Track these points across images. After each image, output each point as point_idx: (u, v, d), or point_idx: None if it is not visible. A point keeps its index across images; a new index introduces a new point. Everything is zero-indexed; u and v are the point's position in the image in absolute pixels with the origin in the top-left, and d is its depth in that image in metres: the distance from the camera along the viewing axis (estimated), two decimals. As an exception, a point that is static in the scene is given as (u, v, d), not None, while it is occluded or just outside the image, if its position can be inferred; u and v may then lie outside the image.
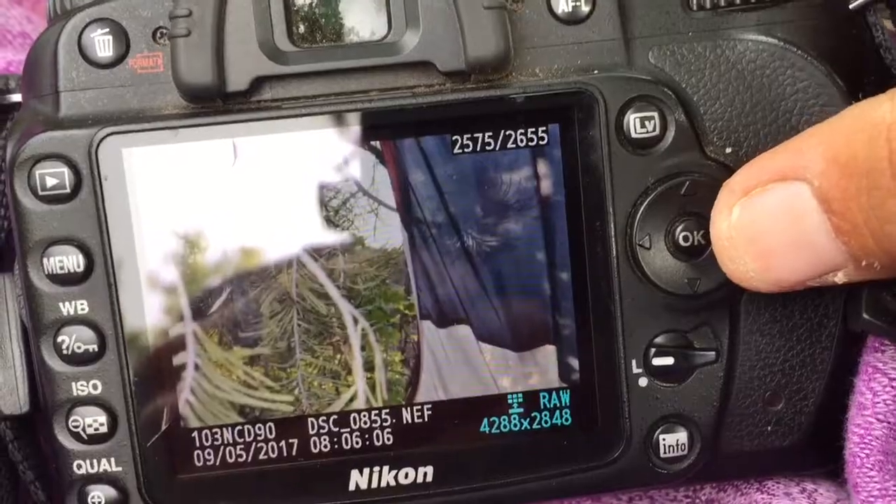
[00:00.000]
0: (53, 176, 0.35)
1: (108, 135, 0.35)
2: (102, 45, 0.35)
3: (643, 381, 0.37)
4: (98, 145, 0.35)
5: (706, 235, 0.36)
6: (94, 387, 0.36)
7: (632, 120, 0.36)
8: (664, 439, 0.37)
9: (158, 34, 0.35)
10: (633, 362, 0.37)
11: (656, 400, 0.37)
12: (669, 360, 0.37)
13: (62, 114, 0.35)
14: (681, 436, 0.37)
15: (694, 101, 0.36)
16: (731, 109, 0.37)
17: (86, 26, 0.35)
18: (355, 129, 0.36)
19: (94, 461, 0.36)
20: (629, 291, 0.36)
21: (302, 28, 0.36)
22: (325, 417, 0.37)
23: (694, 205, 0.36)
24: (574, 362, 0.37)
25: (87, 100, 0.36)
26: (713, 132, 0.37)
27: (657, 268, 0.36)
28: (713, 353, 0.37)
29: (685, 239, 0.36)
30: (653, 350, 0.37)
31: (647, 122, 0.36)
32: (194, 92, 0.35)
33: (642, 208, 0.36)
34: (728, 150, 0.37)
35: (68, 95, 0.35)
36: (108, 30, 0.35)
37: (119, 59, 0.35)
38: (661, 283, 0.36)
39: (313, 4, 0.36)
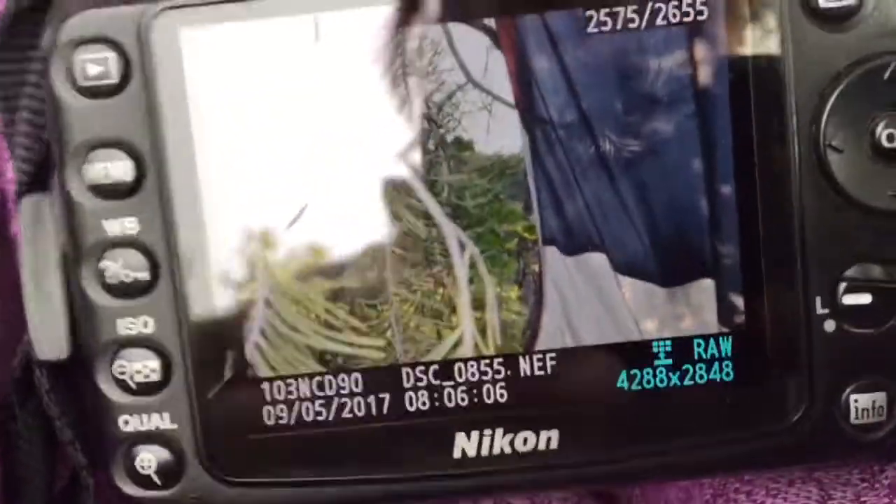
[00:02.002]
0: (97, 63, 0.29)
1: (163, 9, 0.29)
2: None
3: (830, 326, 0.29)
4: (150, 24, 0.29)
5: (918, 134, 0.28)
6: (145, 325, 0.30)
7: None
8: (856, 400, 0.29)
9: None
10: (818, 301, 0.29)
11: (847, 350, 0.29)
12: (866, 298, 0.29)
13: None
14: (878, 396, 0.29)
15: None
16: None
17: None
18: (464, 0, 0.29)
19: (144, 416, 0.30)
20: (815, 208, 0.29)
21: None
22: (423, 367, 0.30)
23: (902, 94, 0.28)
24: (738, 301, 0.30)
25: None
26: (923, -2, 0.29)
27: (852, 176, 0.29)
28: (924, 288, 0.29)
29: (889, 138, 0.28)
30: (843, 285, 0.29)
31: None
32: (268, -42, 0.29)
33: (832, 99, 0.28)
34: (943, 21, 0.29)
35: None
36: None
37: (177, -79, 0.29)
38: (858, 197, 0.29)
39: None
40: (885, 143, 0.28)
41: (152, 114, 0.29)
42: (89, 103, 0.29)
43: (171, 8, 0.29)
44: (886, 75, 0.28)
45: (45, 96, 0.32)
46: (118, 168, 0.29)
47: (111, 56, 0.29)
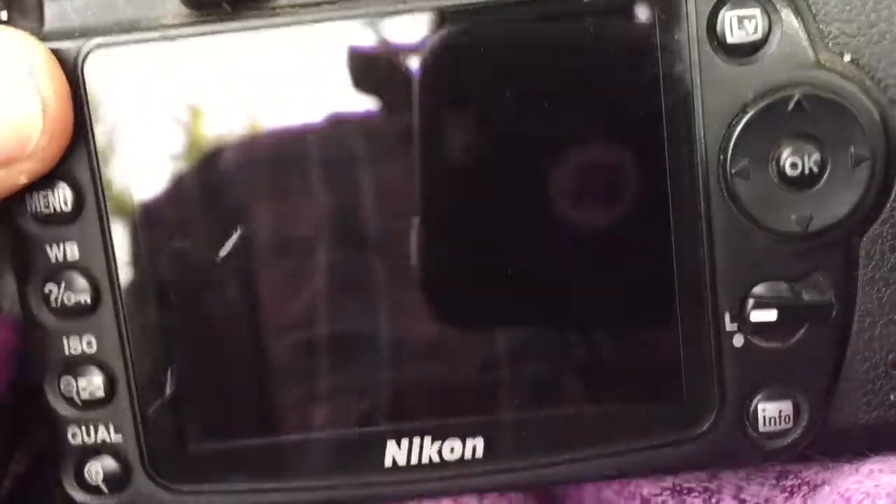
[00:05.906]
0: None
1: (97, 47, 0.30)
2: (90, -58, 0.30)
3: (738, 340, 0.31)
4: (84, 60, 0.30)
5: (820, 161, 0.29)
6: (89, 344, 0.31)
7: (728, 20, 0.29)
8: (764, 409, 0.31)
9: (154, -73, 0.30)
10: (727, 317, 0.31)
11: (754, 362, 0.31)
12: (772, 315, 0.30)
13: (47, 27, 0.30)
14: (784, 406, 0.31)
15: None
16: (850, 8, 0.30)
17: None
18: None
19: (91, 429, 0.31)
20: (722, 232, 0.30)
21: None
22: (356, 380, 0.32)
23: (804, 124, 0.29)
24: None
25: (74, 9, 0.31)
26: (828, 36, 0.30)
27: (758, 202, 0.30)
28: (826, 306, 0.30)
29: (793, 166, 0.29)
30: (751, 302, 0.30)
31: (746, 23, 0.29)
32: (197, -6, 0.30)
33: (739, 129, 0.30)
34: (846, 58, 0.30)
35: (53, 5, 0.31)
36: (96, -77, 0.30)
37: (110, -41, 0.30)
38: (763, 221, 0.30)
39: None
40: (788, 171, 0.30)
41: (88, 143, 0.30)
42: None
43: (104, 45, 0.30)
44: (790, 107, 0.29)
45: None
46: (58, 196, 0.30)
47: None
